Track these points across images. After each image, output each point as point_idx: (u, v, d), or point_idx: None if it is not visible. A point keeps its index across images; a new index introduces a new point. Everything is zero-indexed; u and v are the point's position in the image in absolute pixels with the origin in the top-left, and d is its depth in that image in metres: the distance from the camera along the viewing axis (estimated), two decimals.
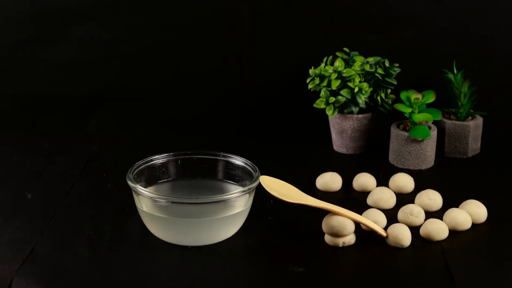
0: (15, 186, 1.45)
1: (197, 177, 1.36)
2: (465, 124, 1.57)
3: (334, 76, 1.55)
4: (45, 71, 1.71)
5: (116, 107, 1.73)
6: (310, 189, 1.31)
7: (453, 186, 1.46)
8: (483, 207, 1.33)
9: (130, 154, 1.55)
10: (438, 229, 1.26)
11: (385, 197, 1.37)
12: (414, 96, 1.54)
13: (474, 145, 1.59)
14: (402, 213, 1.32)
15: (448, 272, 1.18)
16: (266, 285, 1.16)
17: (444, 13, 1.65)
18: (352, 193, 1.44)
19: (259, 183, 1.26)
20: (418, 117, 1.53)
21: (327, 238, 1.24)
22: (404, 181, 1.43)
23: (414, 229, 1.29)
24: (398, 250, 1.24)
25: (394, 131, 1.54)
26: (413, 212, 1.31)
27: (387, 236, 1.25)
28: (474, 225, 1.31)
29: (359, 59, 1.57)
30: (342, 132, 1.59)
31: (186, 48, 1.70)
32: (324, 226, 1.24)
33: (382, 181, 1.46)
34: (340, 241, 1.23)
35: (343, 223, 1.23)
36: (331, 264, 1.20)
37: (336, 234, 1.23)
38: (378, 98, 1.58)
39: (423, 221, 1.31)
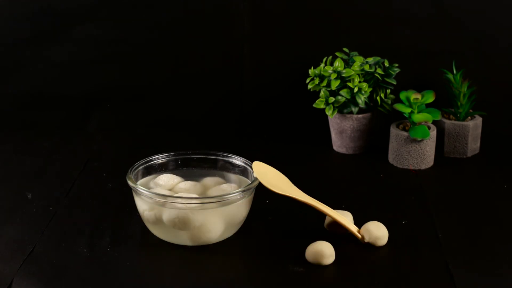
0: (15, 186, 1.45)
1: (197, 177, 1.35)
2: (464, 124, 1.57)
3: (333, 76, 1.55)
4: (45, 71, 1.71)
5: (116, 107, 1.73)
6: (310, 189, 1.31)
7: (453, 186, 1.46)
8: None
9: (130, 154, 1.55)
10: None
11: None
12: (414, 96, 1.54)
13: (473, 145, 1.59)
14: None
15: (448, 272, 1.18)
16: (266, 285, 1.16)
17: (444, 13, 1.65)
18: None
19: (258, 182, 1.26)
20: (417, 117, 1.53)
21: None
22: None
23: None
24: (398, 250, 1.24)
25: (394, 131, 1.54)
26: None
27: (362, 239, 1.25)
28: (474, 225, 1.32)
29: (358, 59, 1.57)
30: (341, 132, 1.59)
31: (186, 48, 1.71)
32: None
33: (382, 181, 1.47)
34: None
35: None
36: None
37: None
38: (378, 98, 1.58)
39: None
